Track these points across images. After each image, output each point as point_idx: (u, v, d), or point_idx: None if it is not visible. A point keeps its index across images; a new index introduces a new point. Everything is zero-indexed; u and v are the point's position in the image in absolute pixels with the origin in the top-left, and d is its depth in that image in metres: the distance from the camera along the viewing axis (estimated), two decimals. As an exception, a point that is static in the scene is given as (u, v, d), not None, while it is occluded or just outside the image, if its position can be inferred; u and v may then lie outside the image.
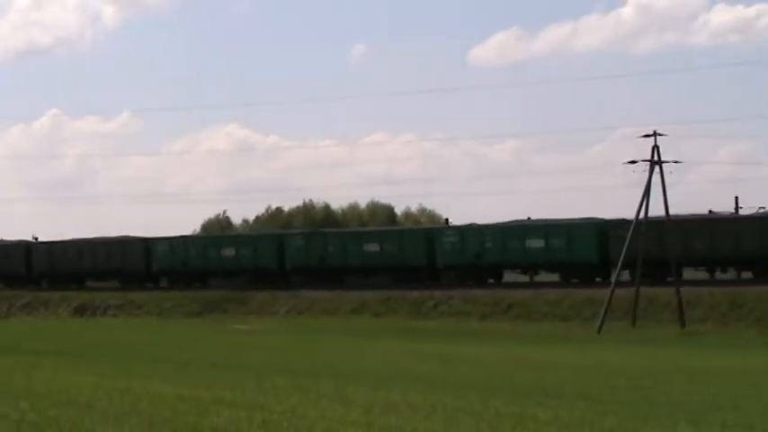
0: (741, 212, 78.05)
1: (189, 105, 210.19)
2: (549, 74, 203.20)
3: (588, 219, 78.97)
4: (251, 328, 70.64)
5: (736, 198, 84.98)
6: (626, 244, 66.41)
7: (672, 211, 68.74)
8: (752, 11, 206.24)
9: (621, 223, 73.11)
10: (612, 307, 65.79)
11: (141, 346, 46.34)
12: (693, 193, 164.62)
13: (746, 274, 72.47)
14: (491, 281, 79.98)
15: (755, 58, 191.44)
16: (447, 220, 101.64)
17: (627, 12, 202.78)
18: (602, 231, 75.77)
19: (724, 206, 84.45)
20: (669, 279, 67.09)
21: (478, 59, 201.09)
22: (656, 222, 68.15)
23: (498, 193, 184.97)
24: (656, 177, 67.43)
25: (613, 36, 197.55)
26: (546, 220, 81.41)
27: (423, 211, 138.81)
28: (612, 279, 67.21)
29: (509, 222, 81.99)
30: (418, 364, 35.77)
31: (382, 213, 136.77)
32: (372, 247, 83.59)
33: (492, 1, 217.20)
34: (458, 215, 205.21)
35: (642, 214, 67.32)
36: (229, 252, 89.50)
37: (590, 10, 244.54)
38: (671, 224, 68.27)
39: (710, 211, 77.25)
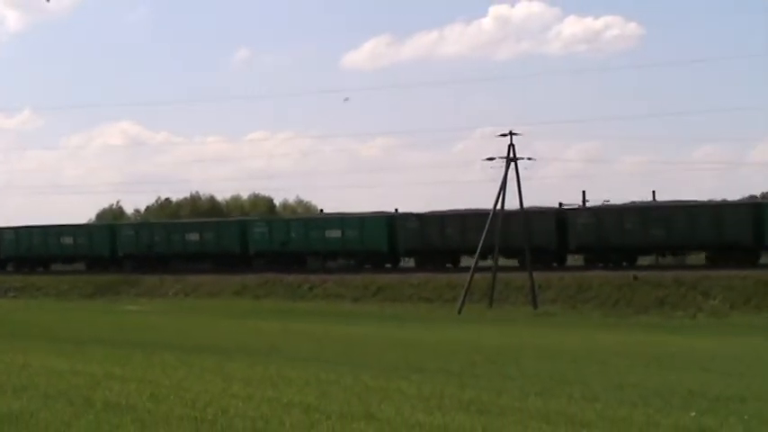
0: (588, 205, 78.94)
1: (86, 104, 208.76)
2: (417, 77, 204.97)
3: (379, 212, 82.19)
4: (141, 309, 70.11)
5: (584, 192, 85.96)
6: (484, 232, 67.01)
7: (525, 204, 69.56)
8: (600, 22, 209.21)
9: (407, 216, 78.19)
10: (472, 290, 66.31)
11: (39, 326, 45.69)
12: (546, 188, 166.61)
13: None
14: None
15: (603, 66, 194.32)
16: (322, 210, 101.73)
17: (487, 22, 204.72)
18: (391, 224, 78.69)
19: (572, 199, 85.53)
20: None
21: (352, 63, 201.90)
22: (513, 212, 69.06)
23: (369, 186, 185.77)
24: (512, 173, 68.16)
25: (475, 43, 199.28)
26: (342, 213, 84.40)
27: (300, 202, 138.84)
28: (472, 265, 67.82)
29: (312, 215, 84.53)
30: (294, 341, 35.73)
31: (262, 204, 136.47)
32: (193, 237, 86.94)
33: (364, 10, 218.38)
34: (332, 206, 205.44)
35: (499, 206, 68.00)
36: (68, 240, 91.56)
37: (454, 19, 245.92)
38: (526, 215, 69.13)
39: (560, 204, 78.19)
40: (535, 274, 66.72)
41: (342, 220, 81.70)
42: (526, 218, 68.89)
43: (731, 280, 61.79)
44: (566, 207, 76.89)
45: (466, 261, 76.60)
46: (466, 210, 78.07)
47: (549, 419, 14.21)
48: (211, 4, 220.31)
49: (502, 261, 70.68)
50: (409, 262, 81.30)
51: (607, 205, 76.15)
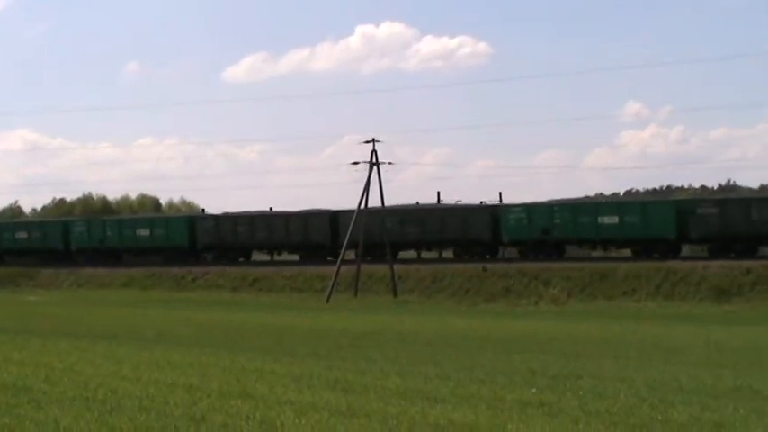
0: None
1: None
2: (291, 90, 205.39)
3: (182, 214, 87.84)
4: (39, 299, 68.90)
5: (438, 193, 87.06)
6: (350, 229, 67.12)
7: (387, 203, 69.83)
8: (454, 42, 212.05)
9: (206, 217, 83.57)
10: (339, 281, 66.37)
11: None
12: (405, 189, 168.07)
13: (448, 254, 74.25)
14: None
15: (456, 80, 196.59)
16: (204, 210, 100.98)
17: (354, 40, 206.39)
18: (192, 223, 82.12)
19: (429, 199, 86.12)
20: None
21: (232, 77, 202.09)
22: (376, 211, 69.29)
23: (247, 187, 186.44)
24: (374, 176, 68.38)
25: (343, 59, 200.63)
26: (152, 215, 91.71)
27: (184, 202, 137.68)
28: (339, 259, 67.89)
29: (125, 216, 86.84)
30: (179, 328, 35.43)
31: (150, 204, 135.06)
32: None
33: (243, 29, 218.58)
34: (214, 206, 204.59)
35: (363, 205, 68.15)
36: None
37: (324, 38, 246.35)
38: (388, 213, 69.45)
39: (418, 203, 78.70)
40: (396, 267, 67.08)
41: (151, 220, 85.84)
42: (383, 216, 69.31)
43: (569, 271, 62.68)
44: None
45: (257, 256, 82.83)
46: (256, 211, 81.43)
47: (407, 396, 14.28)
48: (104, 21, 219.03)
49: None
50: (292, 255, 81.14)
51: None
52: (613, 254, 70.79)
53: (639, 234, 65.93)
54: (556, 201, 74.32)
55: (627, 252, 69.52)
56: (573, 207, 69.97)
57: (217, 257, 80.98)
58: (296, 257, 79.84)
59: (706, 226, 63.55)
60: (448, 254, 76.03)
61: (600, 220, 66.97)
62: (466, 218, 71.81)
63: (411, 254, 77.54)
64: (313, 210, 79.33)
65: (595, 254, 71.50)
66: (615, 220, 66.57)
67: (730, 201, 66.63)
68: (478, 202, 76.75)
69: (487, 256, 71.89)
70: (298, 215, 78.44)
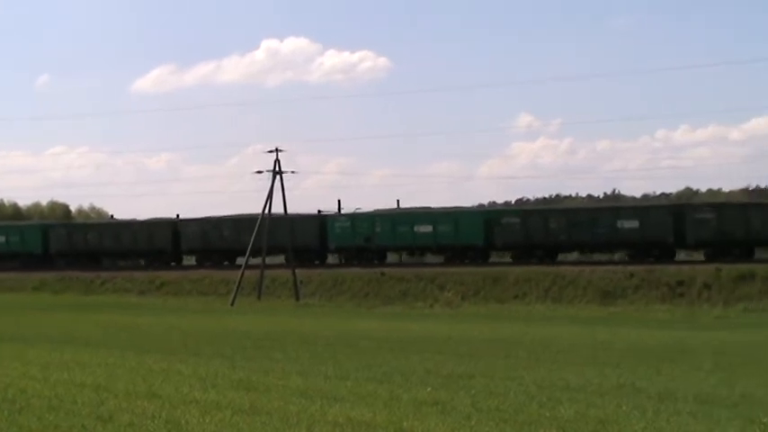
0: (343, 212, 79.48)
1: None
2: (198, 101, 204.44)
3: (36, 222, 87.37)
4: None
5: (339, 201, 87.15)
6: (253, 235, 66.94)
7: (290, 210, 69.75)
8: (355, 56, 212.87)
9: (58, 225, 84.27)
10: (243, 285, 66.08)
11: None
12: (307, 197, 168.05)
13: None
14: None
15: (357, 93, 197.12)
16: (112, 216, 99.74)
17: (259, 54, 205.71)
18: (45, 231, 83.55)
19: (330, 207, 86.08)
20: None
21: (140, 89, 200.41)
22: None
23: (155, 194, 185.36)
24: (278, 184, 68.27)
25: (249, 72, 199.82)
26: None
27: (93, 208, 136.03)
28: (243, 263, 67.68)
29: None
30: (87, 330, 34.99)
31: (60, 211, 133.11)
32: None
33: (151, 42, 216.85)
34: (123, 212, 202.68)
35: (267, 212, 67.97)
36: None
37: (231, 51, 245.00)
38: (289, 220, 69.47)
39: (319, 211, 78.66)
40: (297, 271, 67.04)
41: (6, 228, 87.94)
42: (291, 222, 69.26)
43: (462, 276, 63.09)
44: (324, 213, 77.48)
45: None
46: (105, 221, 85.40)
47: (307, 395, 14.28)
48: (16, 34, 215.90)
49: (271, 259, 70.90)
50: (191, 260, 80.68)
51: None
52: (430, 260, 73.46)
53: (451, 241, 68.81)
54: (386, 211, 74.67)
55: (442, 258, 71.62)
56: (392, 217, 71.78)
57: (68, 263, 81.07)
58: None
59: (510, 234, 66.44)
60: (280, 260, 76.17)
61: (416, 228, 69.46)
62: (295, 226, 72.62)
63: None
64: (156, 219, 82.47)
65: (411, 260, 74.14)
66: (429, 228, 69.11)
67: (531, 212, 70.26)
68: (373, 209, 77.25)
69: (317, 262, 74.77)
70: (142, 224, 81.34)
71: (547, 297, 58.98)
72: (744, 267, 56.14)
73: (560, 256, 68.51)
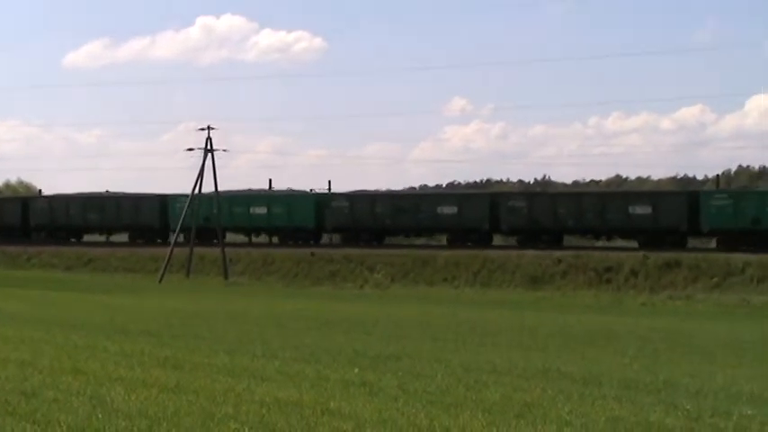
0: (273, 190, 79.39)
1: None
2: (131, 76, 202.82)
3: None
4: None
5: (270, 180, 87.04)
6: (183, 213, 66.64)
7: (221, 189, 69.54)
8: (291, 36, 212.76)
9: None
10: (172, 262, 65.78)
11: None
12: (239, 175, 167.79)
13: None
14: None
15: (292, 73, 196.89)
16: (40, 191, 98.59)
17: (194, 30, 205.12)
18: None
19: (261, 186, 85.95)
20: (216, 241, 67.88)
21: (72, 63, 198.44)
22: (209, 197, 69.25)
23: (85, 170, 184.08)
24: (209, 162, 67.98)
25: (183, 49, 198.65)
26: None
27: (21, 183, 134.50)
28: (172, 240, 67.39)
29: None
30: (12, 305, 34.56)
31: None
32: None
33: (84, 15, 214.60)
34: (52, 187, 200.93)
35: (197, 190, 67.69)
36: None
37: (165, 27, 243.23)
38: (268, 197, 70.23)
39: (250, 189, 78.50)
40: (227, 250, 66.88)
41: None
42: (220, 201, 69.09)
43: (392, 258, 63.25)
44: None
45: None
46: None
47: (234, 374, 14.24)
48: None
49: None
50: (123, 237, 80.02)
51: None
52: (261, 239, 75.74)
53: (284, 223, 71.46)
54: (225, 192, 74.74)
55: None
56: (230, 198, 72.69)
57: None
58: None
59: (340, 217, 69.70)
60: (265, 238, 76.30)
61: (252, 210, 71.68)
62: (138, 206, 75.57)
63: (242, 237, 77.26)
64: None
65: (241, 240, 76.02)
66: (264, 210, 71.41)
67: (358, 196, 71.69)
68: (308, 190, 77.26)
69: (159, 240, 75.80)
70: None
71: (476, 281, 59.36)
72: (670, 255, 56.89)
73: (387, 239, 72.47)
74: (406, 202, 69.79)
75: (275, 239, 73.24)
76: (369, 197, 71.08)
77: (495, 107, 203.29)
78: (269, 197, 73.23)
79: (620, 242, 66.32)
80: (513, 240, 68.08)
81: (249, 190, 79.35)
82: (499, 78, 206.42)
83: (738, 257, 55.40)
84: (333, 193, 74.70)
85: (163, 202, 75.73)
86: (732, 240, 59.11)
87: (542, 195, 71.14)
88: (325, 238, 74.20)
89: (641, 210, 61.91)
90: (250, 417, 10.52)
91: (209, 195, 71.13)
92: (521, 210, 65.09)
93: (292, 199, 73.08)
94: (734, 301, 51.00)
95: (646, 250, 58.69)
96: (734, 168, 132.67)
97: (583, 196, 67.46)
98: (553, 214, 64.25)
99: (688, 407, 12.10)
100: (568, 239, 67.88)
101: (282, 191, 76.78)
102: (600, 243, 66.38)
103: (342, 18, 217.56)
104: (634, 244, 63.44)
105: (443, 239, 70.90)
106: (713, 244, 62.94)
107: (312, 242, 71.33)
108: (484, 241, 66.90)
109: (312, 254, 66.18)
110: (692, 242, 64.51)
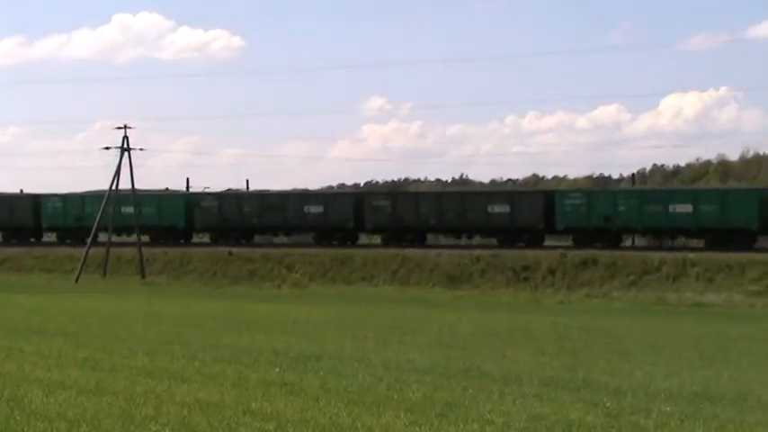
0: (192, 191, 79.19)
1: None
2: (46, 74, 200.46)
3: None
4: None
5: (188, 179, 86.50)
6: (100, 213, 66.10)
7: (138, 188, 69.20)
8: (209, 35, 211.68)
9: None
10: (88, 262, 65.12)
11: None
12: (156, 174, 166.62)
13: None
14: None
15: (209, 72, 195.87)
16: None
17: (111, 28, 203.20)
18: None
19: (178, 185, 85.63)
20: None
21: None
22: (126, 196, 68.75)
23: (1, 168, 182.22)
24: (126, 161, 67.45)
25: (99, 47, 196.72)
26: None
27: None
28: (89, 240, 66.69)
29: None
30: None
31: None
32: None
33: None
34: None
35: (114, 189, 67.16)
36: None
37: (81, 24, 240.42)
38: (138, 197, 69.02)
39: (167, 189, 78.26)
40: (143, 249, 66.39)
41: None
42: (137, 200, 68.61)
43: (311, 256, 63.22)
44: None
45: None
46: None
47: (153, 375, 14.12)
48: None
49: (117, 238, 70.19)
50: (52, 237, 78.85)
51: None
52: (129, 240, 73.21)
53: (155, 222, 72.12)
54: (96, 192, 74.15)
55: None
56: (100, 198, 71.04)
57: None
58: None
59: (209, 216, 71.13)
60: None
61: (123, 209, 70.91)
62: (12, 206, 76.67)
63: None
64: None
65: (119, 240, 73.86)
66: (133, 210, 70.25)
67: (227, 196, 74.13)
68: (202, 188, 79.29)
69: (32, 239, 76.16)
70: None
71: (394, 279, 59.51)
72: (587, 254, 57.52)
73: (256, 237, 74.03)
74: (274, 201, 70.96)
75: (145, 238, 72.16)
76: (237, 197, 73.06)
77: (413, 106, 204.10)
78: (140, 197, 71.74)
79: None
80: (377, 239, 70.35)
81: (166, 189, 79.03)
82: (417, 77, 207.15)
83: (654, 255, 56.19)
84: (202, 193, 76.36)
85: (36, 203, 76.42)
86: (586, 238, 61.59)
87: (406, 195, 72.72)
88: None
89: (500, 209, 63.68)
90: (171, 418, 10.45)
91: (81, 195, 72.69)
92: (385, 209, 66.73)
93: (162, 199, 74.22)
94: (650, 299, 51.72)
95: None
96: (649, 167, 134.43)
97: (444, 196, 69.14)
98: (416, 213, 65.85)
99: (608, 404, 12.24)
100: (431, 238, 70.19)
101: (154, 190, 77.23)
102: (463, 241, 67.79)
103: (260, 16, 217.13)
104: (493, 241, 65.37)
105: (310, 238, 72.22)
106: (570, 242, 64.73)
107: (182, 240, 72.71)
108: (350, 240, 68.86)
109: (230, 253, 65.90)
110: (548, 240, 66.70)
